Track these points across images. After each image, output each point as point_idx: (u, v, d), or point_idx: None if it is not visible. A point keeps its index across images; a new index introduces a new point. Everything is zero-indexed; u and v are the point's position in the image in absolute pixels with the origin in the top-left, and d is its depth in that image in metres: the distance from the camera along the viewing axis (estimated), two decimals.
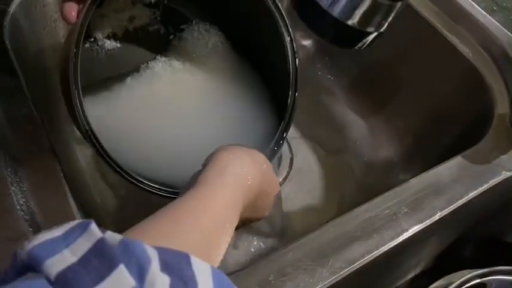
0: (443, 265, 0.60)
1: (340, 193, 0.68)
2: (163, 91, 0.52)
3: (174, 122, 0.49)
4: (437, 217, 0.44)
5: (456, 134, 0.61)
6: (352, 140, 0.72)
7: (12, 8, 0.53)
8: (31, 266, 0.21)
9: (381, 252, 0.41)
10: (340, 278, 0.39)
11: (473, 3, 0.63)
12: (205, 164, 0.36)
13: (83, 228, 0.22)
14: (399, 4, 0.29)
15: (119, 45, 0.56)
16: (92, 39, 0.54)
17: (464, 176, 0.48)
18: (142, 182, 0.42)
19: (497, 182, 0.48)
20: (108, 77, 0.53)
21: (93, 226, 0.22)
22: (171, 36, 0.58)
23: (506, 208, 0.56)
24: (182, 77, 0.54)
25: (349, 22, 0.29)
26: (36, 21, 0.58)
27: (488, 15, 0.62)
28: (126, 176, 0.41)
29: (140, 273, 0.21)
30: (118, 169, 0.41)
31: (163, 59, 0.56)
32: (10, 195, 0.39)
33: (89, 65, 0.50)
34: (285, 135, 0.46)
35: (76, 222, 0.23)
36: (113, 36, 0.55)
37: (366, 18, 0.29)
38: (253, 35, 0.53)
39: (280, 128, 0.47)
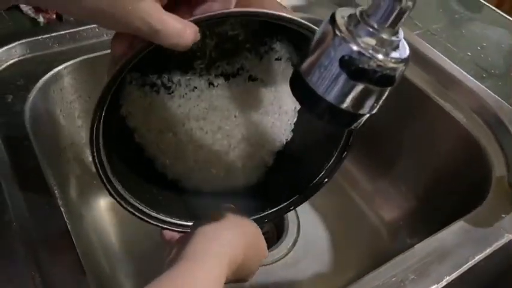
0: None
1: (348, 258, 0.68)
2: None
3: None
4: (444, 283, 0.45)
5: (457, 197, 0.63)
6: (358, 206, 0.74)
7: (33, 94, 0.57)
8: None
9: None
10: None
11: (463, 71, 0.67)
12: (193, 230, 0.38)
13: None
14: (389, 89, 0.32)
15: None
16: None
17: (468, 240, 0.49)
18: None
19: (501, 244, 0.49)
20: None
21: None
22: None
23: None
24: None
25: (343, 106, 0.32)
26: (54, 104, 0.62)
27: (478, 82, 0.66)
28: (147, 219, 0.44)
29: None
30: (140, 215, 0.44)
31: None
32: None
33: None
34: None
35: None
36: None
37: (359, 102, 0.32)
38: None
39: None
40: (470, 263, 0.47)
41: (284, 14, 0.35)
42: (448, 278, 0.45)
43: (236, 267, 0.38)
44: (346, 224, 0.71)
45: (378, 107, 0.33)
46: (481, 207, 0.53)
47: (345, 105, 0.32)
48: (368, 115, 0.33)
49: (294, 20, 0.36)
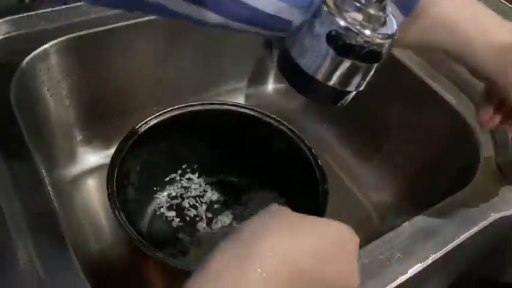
0: None
1: None
2: None
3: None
4: (430, 260, 0.45)
5: (446, 178, 0.63)
6: (347, 186, 0.74)
7: (19, 72, 0.57)
8: None
9: None
10: None
11: None
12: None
13: None
14: (376, 65, 0.32)
15: None
16: None
17: (455, 219, 0.49)
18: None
19: (487, 223, 0.50)
20: None
21: None
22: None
23: (499, 249, 0.57)
24: None
25: (330, 83, 0.32)
26: (40, 83, 0.61)
27: None
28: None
29: None
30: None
31: None
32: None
33: None
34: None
35: None
36: None
37: (346, 79, 0.32)
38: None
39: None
40: (455, 241, 0.47)
41: None
42: (433, 256, 0.46)
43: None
44: (334, 205, 0.71)
45: (364, 84, 0.33)
46: (469, 187, 0.53)
47: (331, 83, 0.32)
48: (354, 92, 0.33)
49: None
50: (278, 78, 0.84)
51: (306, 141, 0.58)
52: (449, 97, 0.63)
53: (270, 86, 0.84)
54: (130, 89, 0.71)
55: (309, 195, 0.55)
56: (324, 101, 0.34)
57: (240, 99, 0.82)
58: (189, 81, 0.75)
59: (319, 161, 0.56)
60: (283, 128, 0.59)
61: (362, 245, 0.49)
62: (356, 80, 0.32)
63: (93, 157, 0.70)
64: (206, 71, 0.76)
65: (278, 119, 0.60)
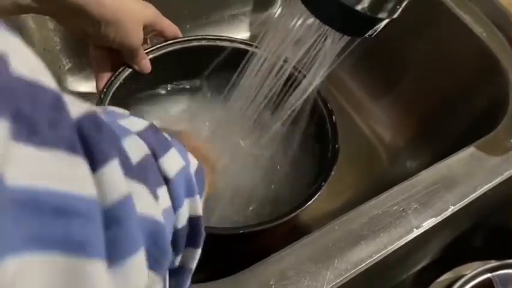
0: (450, 256, 0.58)
1: (343, 179, 0.65)
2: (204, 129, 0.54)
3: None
4: (449, 213, 0.42)
5: (468, 119, 0.58)
6: (357, 125, 0.69)
7: None
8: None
9: (389, 252, 0.39)
10: (346, 280, 0.37)
11: None
12: None
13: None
14: None
15: None
16: None
17: (478, 168, 0.45)
18: None
19: None
20: None
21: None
22: None
23: None
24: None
25: (359, 8, 0.26)
26: None
27: None
28: None
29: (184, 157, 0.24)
30: None
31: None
32: None
33: None
34: (323, 184, 0.46)
35: None
36: None
37: (378, 3, 0.26)
38: None
39: (321, 177, 0.47)
40: (478, 192, 0.43)
41: None
42: (453, 207, 0.42)
43: None
44: (342, 144, 0.66)
45: (399, 10, 0.27)
46: (494, 132, 0.48)
47: (360, 7, 0.26)
48: (387, 20, 0.27)
49: None
50: (286, 2, 0.75)
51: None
52: (480, 30, 0.56)
53: (277, 11, 0.76)
54: None
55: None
56: (350, 29, 0.28)
57: (245, 26, 0.74)
58: (188, 3, 0.68)
59: (333, 117, 0.51)
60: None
61: (370, 188, 0.45)
62: (390, 4, 0.26)
63: (83, 87, 0.65)
64: None
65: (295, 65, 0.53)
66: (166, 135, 0.25)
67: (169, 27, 0.49)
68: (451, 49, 0.59)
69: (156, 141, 0.23)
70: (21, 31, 0.55)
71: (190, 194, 0.24)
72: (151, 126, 0.23)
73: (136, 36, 0.44)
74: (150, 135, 0.23)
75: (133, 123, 0.23)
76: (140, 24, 0.44)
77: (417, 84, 0.65)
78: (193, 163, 0.26)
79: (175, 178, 0.22)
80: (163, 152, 0.23)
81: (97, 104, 0.47)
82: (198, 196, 0.25)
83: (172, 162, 0.23)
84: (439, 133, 0.62)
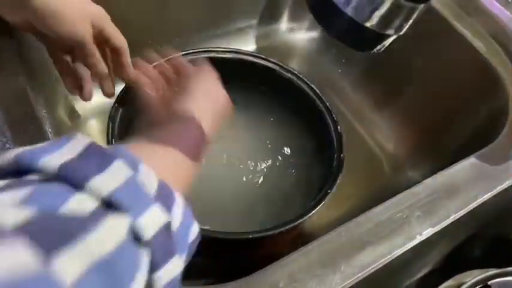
0: (451, 264, 0.59)
1: (344, 188, 0.66)
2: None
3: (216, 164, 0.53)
4: (450, 220, 0.43)
5: (469, 130, 0.60)
6: (359, 134, 0.71)
7: None
8: (16, 171, 0.21)
9: (393, 258, 0.40)
10: (352, 284, 0.38)
11: None
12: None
13: (69, 138, 0.23)
14: (421, 6, 0.27)
15: None
16: None
17: (479, 177, 0.46)
18: None
19: None
20: None
21: (79, 135, 0.23)
22: None
23: None
24: None
25: (368, 24, 0.28)
26: None
27: (503, 8, 0.60)
28: None
29: (134, 167, 0.23)
30: None
31: None
32: None
33: None
34: (329, 191, 0.48)
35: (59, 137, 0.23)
36: None
37: (386, 20, 0.27)
38: None
39: (327, 185, 0.49)
40: (479, 200, 0.45)
41: None
42: (454, 215, 0.43)
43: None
44: (346, 153, 0.68)
45: (406, 27, 0.29)
46: (495, 143, 0.50)
47: (369, 24, 0.27)
48: (395, 36, 0.29)
49: None
50: (293, 16, 0.78)
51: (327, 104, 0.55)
52: (479, 44, 0.59)
53: (284, 25, 0.78)
54: (132, 20, 0.65)
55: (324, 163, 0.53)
56: (359, 44, 0.29)
57: (251, 39, 0.76)
58: (197, 15, 0.70)
59: (338, 127, 0.53)
60: (304, 86, 0.56)
61: (371, 197, 0.47)
62: (397, 21, 0.28)
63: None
64: (215, 4, 0.70)
65: (300, 75, 0.56)
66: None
67: (116, 33, 0.46)
68: (451, 62, 0.61)
69: None
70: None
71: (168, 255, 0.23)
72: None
73: (84, 28, 0.42)
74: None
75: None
76: (86, 19, 0.43)
77: (419, 96, 0.67)
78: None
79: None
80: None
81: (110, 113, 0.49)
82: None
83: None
84: (440, 144, 0.64)
